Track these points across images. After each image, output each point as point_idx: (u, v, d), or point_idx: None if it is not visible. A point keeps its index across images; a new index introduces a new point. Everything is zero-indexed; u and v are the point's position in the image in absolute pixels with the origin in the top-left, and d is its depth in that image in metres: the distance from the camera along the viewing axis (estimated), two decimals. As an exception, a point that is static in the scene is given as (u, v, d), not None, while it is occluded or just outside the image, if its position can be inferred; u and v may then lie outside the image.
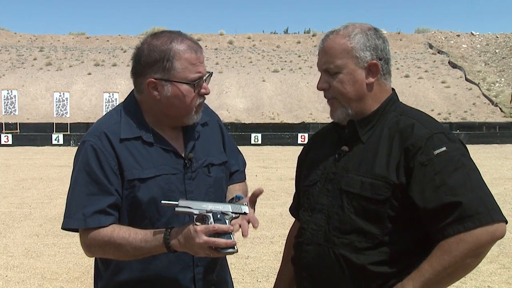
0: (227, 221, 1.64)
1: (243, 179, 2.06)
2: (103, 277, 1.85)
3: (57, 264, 5.89)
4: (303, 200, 1.79)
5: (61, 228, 1.79)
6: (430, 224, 1.53)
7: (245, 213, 1.71)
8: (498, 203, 1.54)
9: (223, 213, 1.65)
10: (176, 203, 1.63)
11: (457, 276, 1.51)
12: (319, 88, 1.74)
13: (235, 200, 1.85)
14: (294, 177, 2.00)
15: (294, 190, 2.01)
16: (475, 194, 1.49)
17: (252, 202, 1.79)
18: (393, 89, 1.76)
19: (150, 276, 1.78)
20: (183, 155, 1.82)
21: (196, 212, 1.63)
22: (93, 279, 1.95)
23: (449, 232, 1.47)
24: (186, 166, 1.81)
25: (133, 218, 1.75)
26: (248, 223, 1.72)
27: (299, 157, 1.96)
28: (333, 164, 1.71)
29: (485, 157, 17.19)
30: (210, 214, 1.63)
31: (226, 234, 1.58)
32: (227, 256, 1.97)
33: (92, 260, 1.92)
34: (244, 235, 1.66)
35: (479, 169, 1.60)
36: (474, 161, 1.63)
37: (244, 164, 2.09)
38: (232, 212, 1.68)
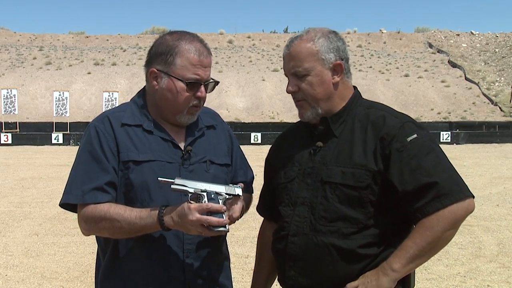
0: (220, 201, 1.70)
1: (249, 191, 2.04)
2: (102, 264, 1.90)
3: (57, 263, 5.88)
4: (283, 196, 1.86)
5: (59, 205, 1.83)
6: (409, 204, 1.67)
7: (238, 195, 1.77)
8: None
9: (217, 193, 1.72)
10: (172, 180, 1.68)
11: (438, 248, 1.67)
12: (289, 92, 1.84)
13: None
14: (263, 178, 2.03)
15: (262, 190, 2.04)
16: (447, 175, 1.66)
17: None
18: (355, 86, 1.88)
19: (141, 262, 1.81)
20: (181, 148, 1.87)
21: (191, 190, 1.68)
22: (94, 270, 1.98)
23: (428, 209, 1.62)
24: (184, 158, 1.85)
25: (127, 200, 1.80)
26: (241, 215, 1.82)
27: (267, 159, 2.03)
28: (309, 160, 1.81)
29: (484, 156, 17.11)
30: (205, 194, 1.69)
31: (219, 213, 1.64)
32: (228, 257, 1.98)
33: (92, 259, 1.94)
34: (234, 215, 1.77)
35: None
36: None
37: (252, 179, 2.08)
38: (226, 193, 1.74)
